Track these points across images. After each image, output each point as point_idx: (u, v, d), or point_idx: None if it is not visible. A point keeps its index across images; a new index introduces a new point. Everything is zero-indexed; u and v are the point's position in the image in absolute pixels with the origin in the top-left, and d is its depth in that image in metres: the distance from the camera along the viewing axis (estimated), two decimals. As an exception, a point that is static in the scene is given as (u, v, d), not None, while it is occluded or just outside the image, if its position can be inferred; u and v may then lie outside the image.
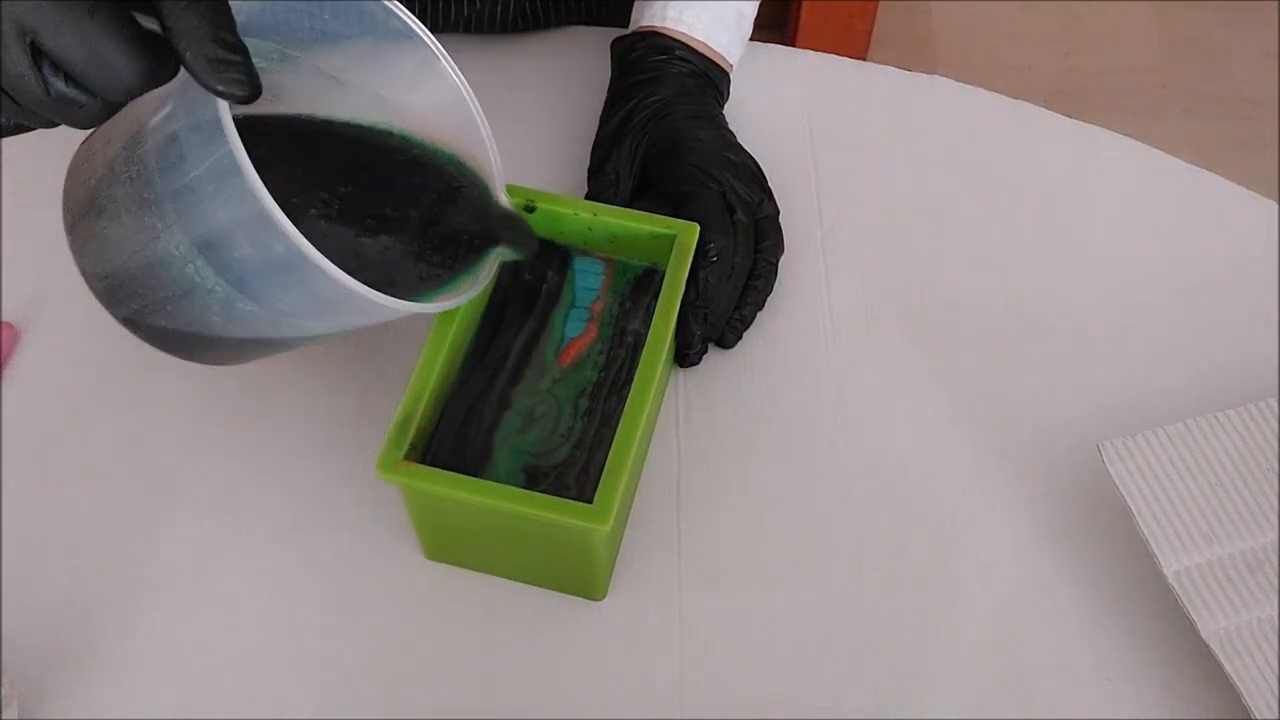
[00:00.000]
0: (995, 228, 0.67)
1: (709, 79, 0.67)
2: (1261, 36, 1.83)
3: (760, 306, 0.62)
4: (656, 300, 0.54)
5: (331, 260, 0.44)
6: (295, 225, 0.43)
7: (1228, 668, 0.49)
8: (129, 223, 0.46)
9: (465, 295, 0.51)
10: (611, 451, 0.49)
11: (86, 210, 0.47)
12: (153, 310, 0.47)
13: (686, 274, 0.55)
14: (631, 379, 0.52)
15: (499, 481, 0.51)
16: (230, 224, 0.43)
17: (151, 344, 0.50)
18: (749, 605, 0.54)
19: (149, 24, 0.39)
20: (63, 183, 0.49)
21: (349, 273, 0.44)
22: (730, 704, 0.52)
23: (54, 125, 0.41)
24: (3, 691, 0.49)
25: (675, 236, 0.56)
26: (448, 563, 0.55)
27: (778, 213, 0.64)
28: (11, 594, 0.54)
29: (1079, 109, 0.73)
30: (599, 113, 0.67)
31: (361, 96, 0.53)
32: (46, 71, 0.38)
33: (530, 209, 0.58)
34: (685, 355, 0.60)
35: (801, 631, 0.54)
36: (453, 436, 0.53)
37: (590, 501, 0.48)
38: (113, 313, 0.49)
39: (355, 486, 0.57)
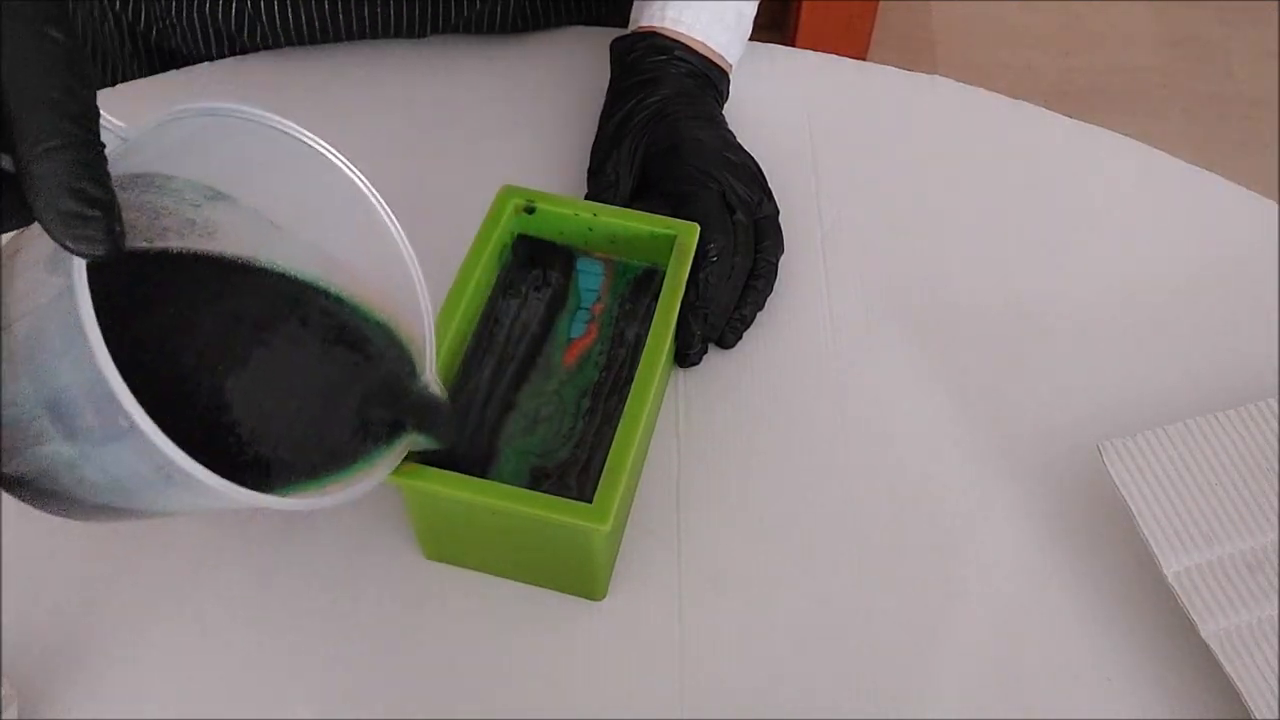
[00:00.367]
0: (995, 228, 0.68)
1: (709, 79, 0.67)
2: (1261, 36, 1.84)
3: (760, 306, 0.62)
4: (656, 300, 0.55)
5: (226, 428, 0.41)
6: (197, 380, 0.41)
7: (1228, 668, 0.49)
8: None
9: (358, 487, 0.46)
10: (611, 451, 0.49)
11: None
12: (9, 455, 0.42)
13: (687, 274, 0.55)
14: (632, 379, 0.52)
15: (505, 483, 0.51)
16: (75, 388, 0.38)
17: (11, 494, 0.44)
18: (749, 605, 0.54)
19: (6, 163, 0.35)
20: None
21: (242, 444, 0.41)
22: (730, 704, 0.52)
23: None
24: (3, 691, 0.49)
25: (675, 237, 0.56)
26: (448, 563, 0.55)
27: (777, 213, 0.64)
28: (11, 594, 0.54)
29: (1079, 109, 0.73)
30: (599, 113, 0.67)
31: (298, 246, 0.49)
32: None
33: (531, 210, 0.58)
34: (685, 355, 0.60)
35: (801, 632, 0.54)
36: (462, 439, 0.53)
37: (590, 501, 0.48)
38: None
39: (355, 486, 0.57)
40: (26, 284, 0.39)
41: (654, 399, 0.54)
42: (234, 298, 0.48)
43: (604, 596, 0.54)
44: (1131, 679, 0.53)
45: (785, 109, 0.72)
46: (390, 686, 0.52)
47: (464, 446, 0.53)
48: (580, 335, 0.57)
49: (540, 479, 0.52)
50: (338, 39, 0.74)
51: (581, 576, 0.54)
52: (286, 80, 0.73)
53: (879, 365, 0.62)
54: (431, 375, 0.49)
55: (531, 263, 0.59)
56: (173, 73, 0.74)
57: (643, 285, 0.58)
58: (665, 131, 0.63)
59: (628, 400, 0.51)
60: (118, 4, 0.75)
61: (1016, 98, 0.73)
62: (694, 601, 0.54)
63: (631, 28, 0.68)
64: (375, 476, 0.47)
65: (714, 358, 0.62)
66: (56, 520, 0.56)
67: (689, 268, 0.56)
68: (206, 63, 0.75)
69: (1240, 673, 0.49)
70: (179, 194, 0.46)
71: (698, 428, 0.60)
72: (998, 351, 0.62)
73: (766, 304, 0.63)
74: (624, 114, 0.64)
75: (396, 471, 0.49)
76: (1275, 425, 0.56)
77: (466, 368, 0.55)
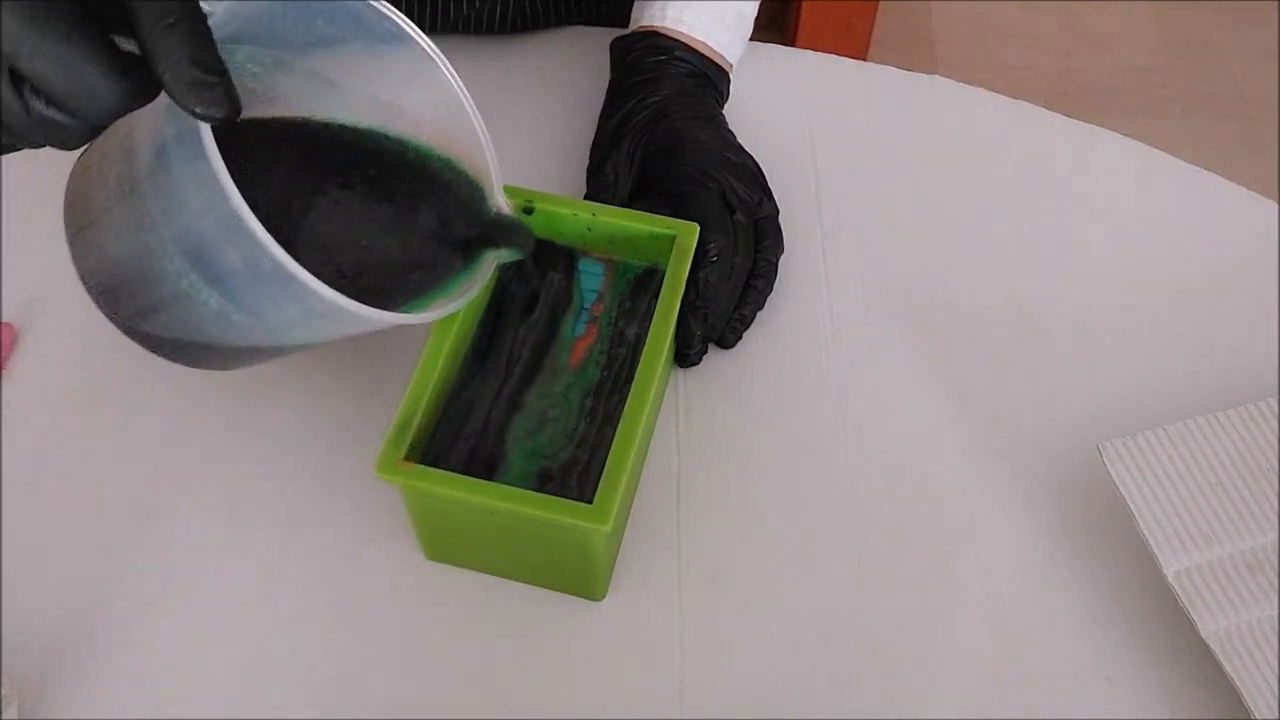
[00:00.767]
0: (995, 228, 0.67)
1: (709, 79, 0.67)
2: (1261, 36, 1.83)
3: (760, 306, 0.62)
4: (656, 300, 0.54)
5: (330, 266, 0.44)
6: (293, 232, 0.43)
7: (1228, 668, 0.49)
8: (124, 234, 0.46)
9: (463, 298, 0.51)
10: (611, 452, 0.49)
11: (85, 223, 0.48)
12: (148, 317, 0.48)
13: (686, 274, 0.55)
14: (632, 379, 0.52)
15: (513, 484, 0.51)
16: (218, 238, 0.43)
17: (150, 350, 0.50)
18: (749, 605, 0.54)
19: (128, 45, 0.39)
20: (63, 190, 0.49)
21: (346, 279, 0.43)
22: (730, 704, 0.52)
23: (40, 146, 0.40)
24: (3, 691, 0.49)
25: (675, 237, 0.56)
26: (448, 563, 0.55)
27: (777, 212, 0.64)
28: (11, 594, 0.54)
29: (1079, 109, 0.73)
30: (599, 113, 0.67)
31: (358, 99, 0.52)
32: (28, 95, 0.38)
33: (529, 210, 0.58)
34: (685, 355, 0.60)
35: (801, 631, 0.54)
36: (464, 439, 0.53)
37: (590, 501, 0.48)
38: (111, 318, 0.49)
39: (355, 487, 0.57)
40: (149, 152, 0.44)
41: (654, 399, 0.54)
42: (306, 154, 0.52)
43: (604, 596, 0.54)
44: (1131, 679, 0.52)
45: (785, 109, 0.72)
46: (390, 686, 0.52)
47: (458, 449, 0.53)
48: (581, 335, 0.57)
49: (546, 480, 0.52)
50: (338, 39, 0.74)
51: (581, 576, 0.54)
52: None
53: (879, 365, 0.62)
54: (500, 197, 0.53)
55: (532, 263, 0.59)
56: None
57: (643, 285, 0.58)
58: (665, 131, 0.63)
59: (628, 401, 0.51)
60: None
61: (1016, 98, 0.73)
62: (694, 601, 0.54)
63: (631, 27, 0.68)
64: (474, 287, 0.51)
65: (714, 358, 0.62)
66: (56, 520, 0.56)
67: (689, 268, 0.56)
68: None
69: (1240, 673, 0.49)
70: (240, 67, 0.49)
71: (698, 428, 0.60)
72: (998, 351, 0.62)
73: (766, 304, 0.63)
74: (624, 114, 0.64)
75: (396, 473, 0.49)
76: (1275, 425, 0.56)
77: (468, 369, 0.55)
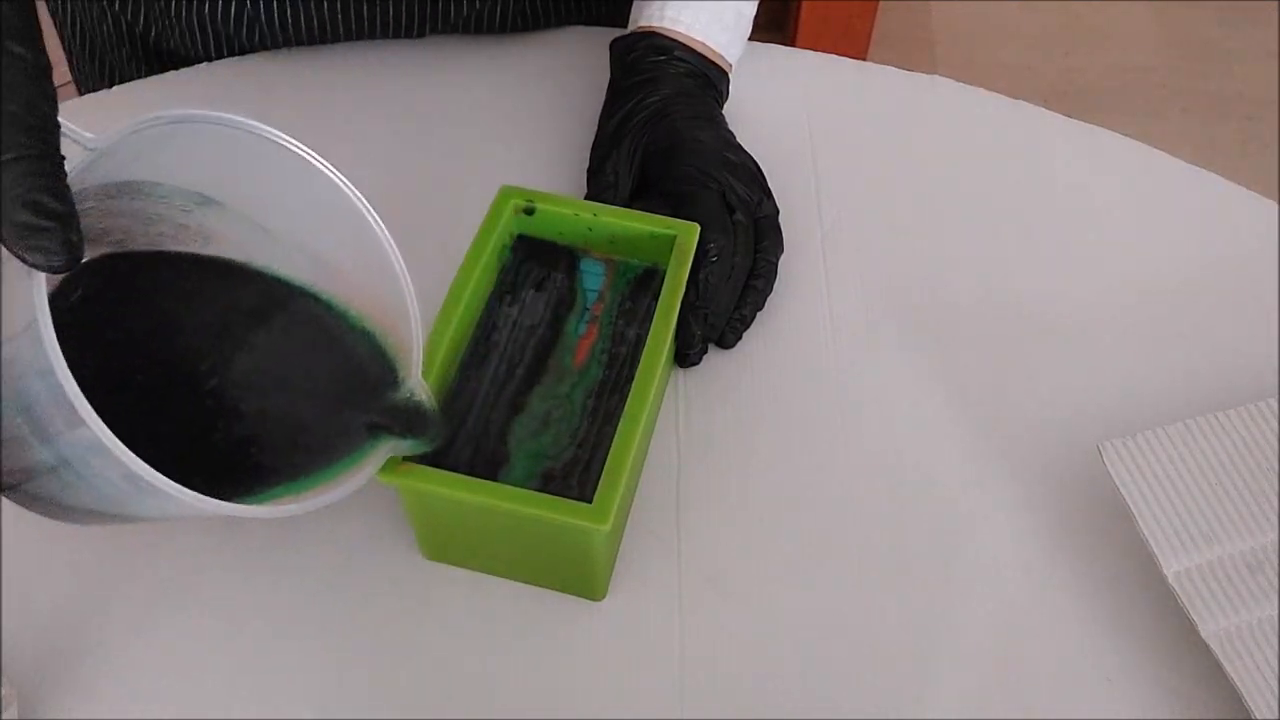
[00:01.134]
0: (995, 228, 0.68)
1: (708, 79, 0.67)
2: (1261, 36, 1.84)
3: (760, 307, 0.62)
4: (657, 300, 0.54)
5: (218, 425, 0.42)
6: (191, 382, 0.43)
7: (1228, 668, 0.49)
8: None
9: (341, 489, 0.46)
10: (611, 452, 0.49)
11: None
12: (5, 461, 0.44)
13: (686, 274, 0.55)
14: (632, 379, 0.52)
15: (516, 485, 0.51)
16: (44, 395, 0.39)
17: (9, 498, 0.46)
18: (749, 605, 0.54)
19: None
20: None
21: (231, 445, 0.42)
22: (730, 704, 0.52)
23: None
24: (3, 691, 0.49)
25: (675, 237, 0.56)
26: (447, 563, 0.55)
27: (777, 212, 0.64)
28: (11, 594, 0.54)
29: (1079, 109, 0.73)
30: (599, 113, 0.67)
31: (289, 249, 0.50)
32: None
33: (530, 210, 0.58)
34: (685, 355, 0.60)
35: (801, 632, 0.54)
36: (464, 441, 0.53)
37: (590, 501, 0.48)
38: None
39: (355, 486, 0.57)
40: (10, 297, 0.40)
41: (654, 399, 0.54)
42: (225, 300, 0.49)
43: (604, 596, 0.54)
44: (1131, 679, 0.52)
45: (785, 109, 0.72)
46: (390, 686, 0.52)
47: (460, 450, 0.53)
48: (582, 335, 0.57)
49: (549, 480, 0.52)
50: (337, 39, 0.74)
51: (581, 576, 0.54)
52: (285, 80, 0.73)
53: (879, 365, 0.62)
54: (417, 380, 0.49)
55: (533, 263, 0.59)
56: (171, 73, 0.74)
57: (643, 285, 0.58)
58: (665, 131, 0.63)
59: (628, 400, 0.51)
60: (116, 4, 0.75)
61: (1016, 98, 0.73)
62: (694, 601, 0.54)
63: (631, 27, 0.68)
64: (359, 478, 0.47)
65: (714, 358, 0.62)
66: (55, 521, 0.56)
67: (689, 268, 0.56)
68: (205, 63, 0.75)
69: (1240, 673, 0.49)
70: (168, 200, 0.47)
71: (698, 428, 0.60)
72: (998, 351, 0.62)
73: (766, 304, 0.63)
74: (624, 114, 0.64)
75: (395, 473, 0.49)
76: (1275, 425, 0.56)
77: (465, 369, 0.55)
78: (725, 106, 0.69)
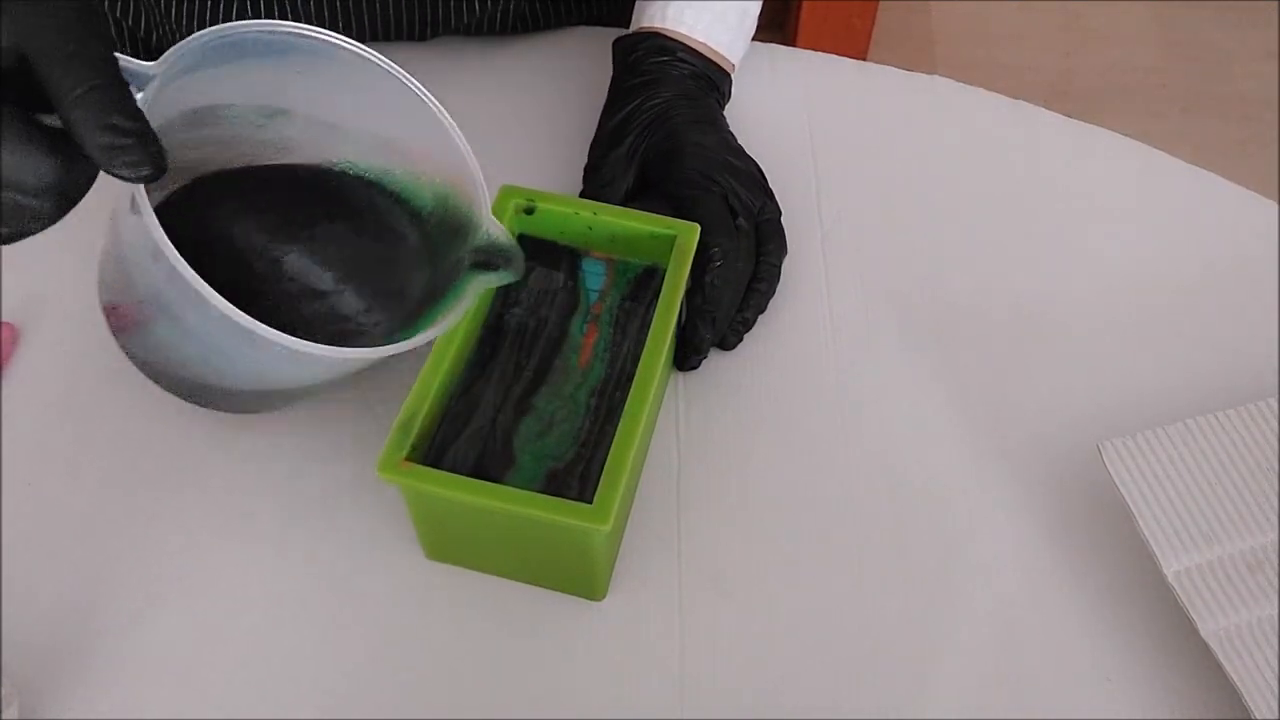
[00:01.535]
0: (995, 228, 0.68)
1: (711, 81, 0.67)
2: (1261, 36, 1.84)
3: (762, 309, 0.62)
4: (656, 300, 0.54)
5: (324, 304, 0.48)
6: (298, 261, 0.50)
7: (1228, 668, 0.49)
8: (131, 283, 0.50)
9: (445, 323, 0.51)
10: (611, 452, 0.49)
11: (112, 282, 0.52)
12: (145, 344, 0.52)
13: (687, 274, 0.55)
14: (632, 378, 0.52)
15: (521, 487, 0.51)
16: (173, 293, 0.45)
17: (172, 393, 0.55)
18: (749, 605, 0.54)
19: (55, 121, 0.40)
20: None
21: (339, 318, 0.47)
22: (730, 704, 0.52)
23: (25, 231, 0.42)
24: (3, 691, 0.49)
25: (675, 237, 0.56)
26: (448, 563, 0.55)
27: (780, 215, 0.64)
28: (11, 594, 0.54)
29: (1079, 109, 0.73)
30: (599, 113, 0.67)
31: (359, 137, 0.55)
32: None
33: (530, 210, 0.58)
34: (687, 359, 0.60)
35: (801, 631, 0.54)
36: (469, 441, 0.53)
37: (590, 501, 0.48)
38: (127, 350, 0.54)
39: (356, 487, 0.57)
40: (120, 210, 0.47)
41: (654, 399, 0.54)
42: (308, 199, 0.56)
43: (604, 596, 0.54)
44: (1131, 679, 0.53)
45: (785, 109, 0.72)
46: (390, 686, 0.52)
47: (466, 451, 0.53)
48: (584, 335, 0.57)
49: (554, 480, 0.52)
50: (338, 43, 0.74)
51: (581, 576, 0.54)
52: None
53: (879, 365, 0.62)
54: (491, 221, 0.53)
55: (534, 263, 0.59)
56: (173, 73, 0.74)
57: (643, 285, 0.58)
58: (666, 134, 0.63)
59: (628, 400, 0.51)
60: (118, 9, 0.75)
61: (1016, 98, 0.73)
62: (694, 601, 0.54)
63: (633, 27, 0.68)
64: (458, 311, 0.51)
65: (714, 358, 0.62)
66: (56, 520, 0.56)
67: (689, 268, 0.56)
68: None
69: (1240, 673, 0.49)
70: (243, 118, 0.53)
71: (698, 428, 0.60)
72: (998, 351, 0.62)
73: (767, 305, 0.63)
74: (625, 114, 0.64)
75: (397, 473, 0.49)
76: (1275, 425, 0.56)
77: (473, 370, 0.55)
78: (725, 107, 0.68)
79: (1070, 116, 0.72)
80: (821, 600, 0.54)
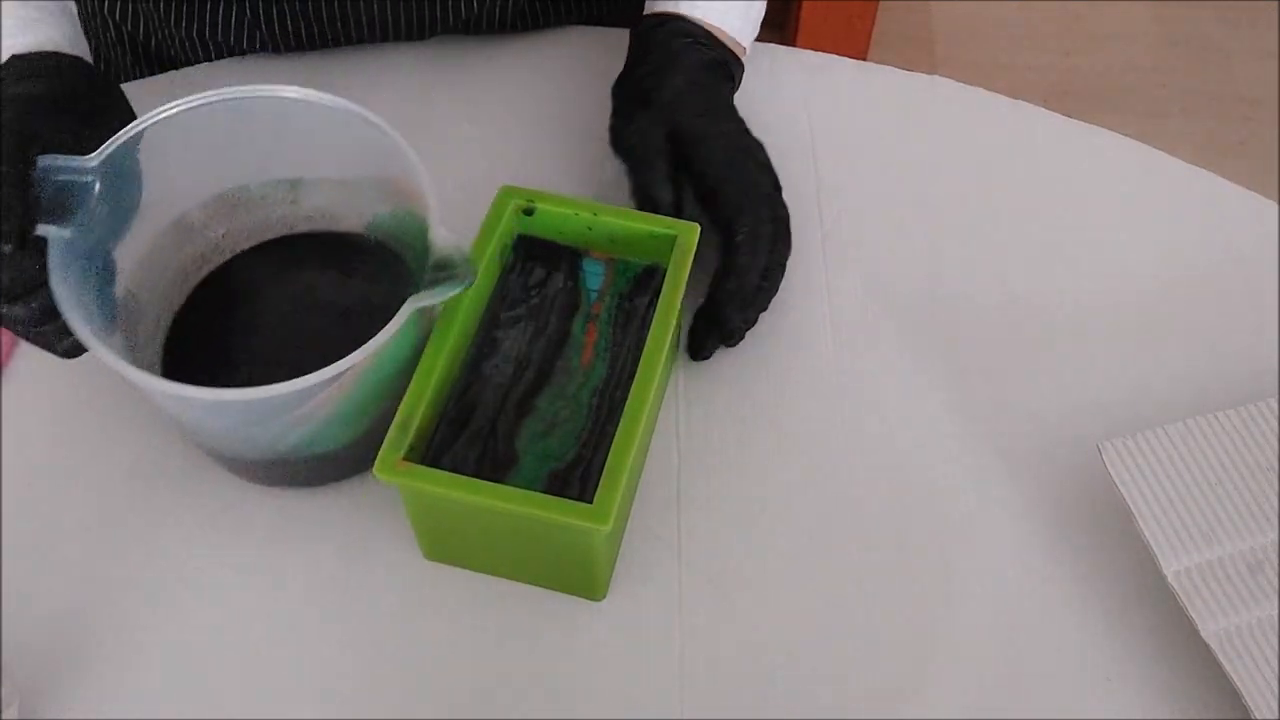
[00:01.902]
0: (995, 227, 0.67)
1: (727, 68, 0.66)
2: (1261, 36, 1.83)
3: (765, 307, 0.62)
4: (656, 300, 0.54)
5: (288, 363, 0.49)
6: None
7: (1228, 668, 0.49)
8: None
9: (370, 348, 0.48)
10: (611, 452, 0.49)
11: None
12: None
13: (687, 274, 0.55)
14: (632, 378, 0.52)
15: (522, 487, 0.51)
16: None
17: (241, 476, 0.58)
18: (749, 605, 0.54)
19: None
20: None
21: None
22: (730, 704, 0.52)
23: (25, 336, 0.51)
24: (3, 691, 0.49)
25: (676, 237, 0.56)
26: (447, 563, 0.55)
27: (788, 215, 0.64)
28: (11, 594, 0.54)
29: (1079, 109, 0.73)
30: (599, 113, 0.67)
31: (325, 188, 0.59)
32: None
33: (530, 210, 0.58)
34: (704, 347, 0.60)
35: (801, 632, 0.54)
36: (469, 441, 0.53)
37: (590, 501, 0.48)
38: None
39: (354, 486, 0.57)
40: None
41: (654, 399, 0.54)
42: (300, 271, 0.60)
43: (604, 597, 0.54)
44: (1131, 679, 0.52)
45: (785, 109, 0.72)
46: (390, 686, 0.52)
47: (467, 452, 0.53)
48: (585, 335, 0.57)
49: (555, 480, 0.52)
50: (338, 45, 0.74)
51: (582, 577, 0.54)
52: (286, 81, 0.73)
53: (879, 365, 0.62)
54: (438, 233, 0.51)
55: (535, 263, 0.59)
56: (169, 74, 0.73)
57: (642, 284, 0.58)
58: (690, 117, 0.63)
59: (628, 401, 0.51)
60: (118, 14, 0.75)
61: (1016, 98, 0.73)
62: (694, 601, 0.54)
63: (647, 11, 0.68)
64: (386, 333, 0.49)
65: (714, 357, 0.62)
66: (56, 521, 0.56)
67: (689, 268, 0.56)
68: (205, 64, 0.75)
69: (1240, 673, 0.49)
70: (270, 196, 0.59)
71: (698, 428, 0.60)
72: (997, 351, 0.62)
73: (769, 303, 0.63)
74: (643, 92, 0.63)
75: (395, 473, 0.49)
76: (1275, 425, 0.56)
77: (470, 370, 0.55)
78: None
79: (1070, 116, 0.72)
80: (821, 600, 0.54)
